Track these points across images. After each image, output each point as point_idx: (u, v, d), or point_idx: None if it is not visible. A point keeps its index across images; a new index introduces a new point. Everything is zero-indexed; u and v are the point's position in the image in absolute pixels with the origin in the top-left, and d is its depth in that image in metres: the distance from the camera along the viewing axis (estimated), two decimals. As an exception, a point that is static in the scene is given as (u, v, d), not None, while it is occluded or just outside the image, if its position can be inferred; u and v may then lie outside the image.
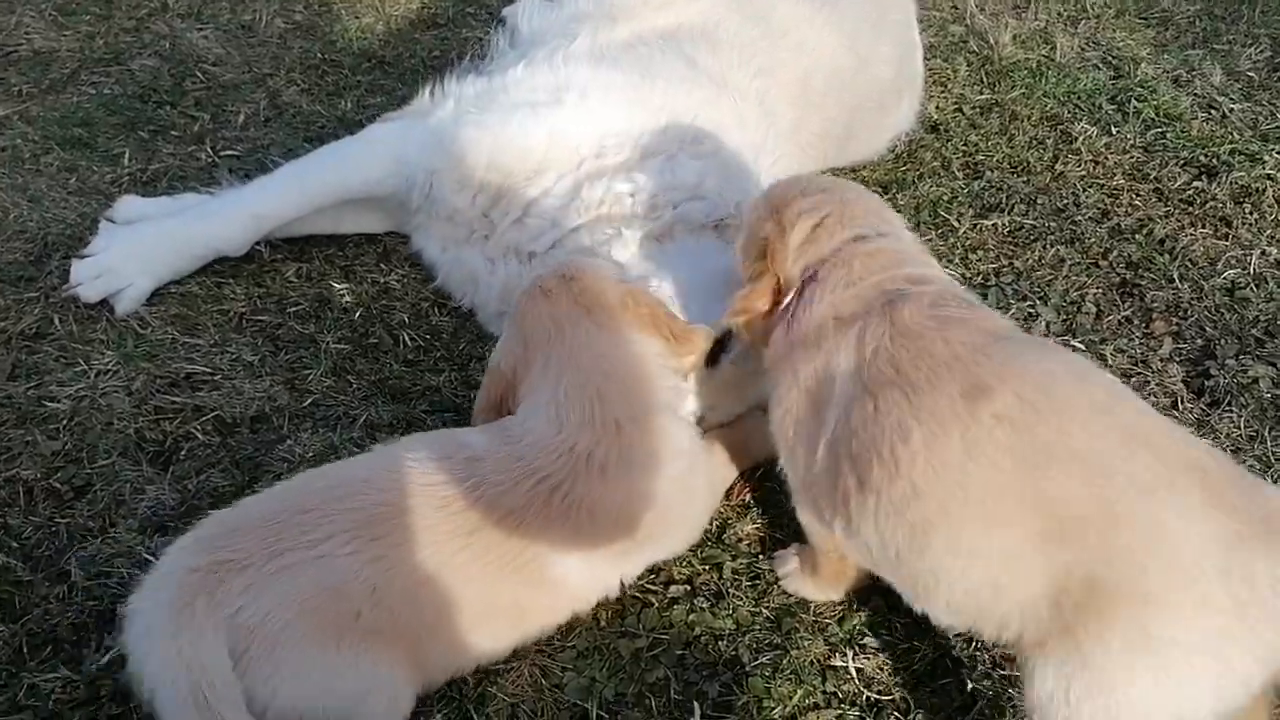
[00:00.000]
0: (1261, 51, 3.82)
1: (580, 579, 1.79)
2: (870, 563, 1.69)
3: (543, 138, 2.46)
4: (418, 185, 2.58)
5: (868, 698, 1.82)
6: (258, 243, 2.69)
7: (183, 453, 2.21)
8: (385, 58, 3.70)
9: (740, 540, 2.08)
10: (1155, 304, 2.65)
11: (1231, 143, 3.30)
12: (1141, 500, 1.40)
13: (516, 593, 1.74)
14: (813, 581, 1.91)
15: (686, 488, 1.86)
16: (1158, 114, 3.46)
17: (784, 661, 1.86)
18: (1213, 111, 3.51)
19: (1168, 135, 3.35)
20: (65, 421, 2.28)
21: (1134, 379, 2.45)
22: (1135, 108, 3.49)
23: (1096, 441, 1.45)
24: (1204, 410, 2.38)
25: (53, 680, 1.80)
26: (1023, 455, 1.46)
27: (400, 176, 2.60)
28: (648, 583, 1.97)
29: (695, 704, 1.78)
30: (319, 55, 3.68)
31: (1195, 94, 3.60)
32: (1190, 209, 3.00)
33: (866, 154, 3.17)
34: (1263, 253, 2.82)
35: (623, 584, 1.89)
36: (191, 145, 3.20)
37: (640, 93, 2.55)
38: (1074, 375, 1.56)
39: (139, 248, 2.58)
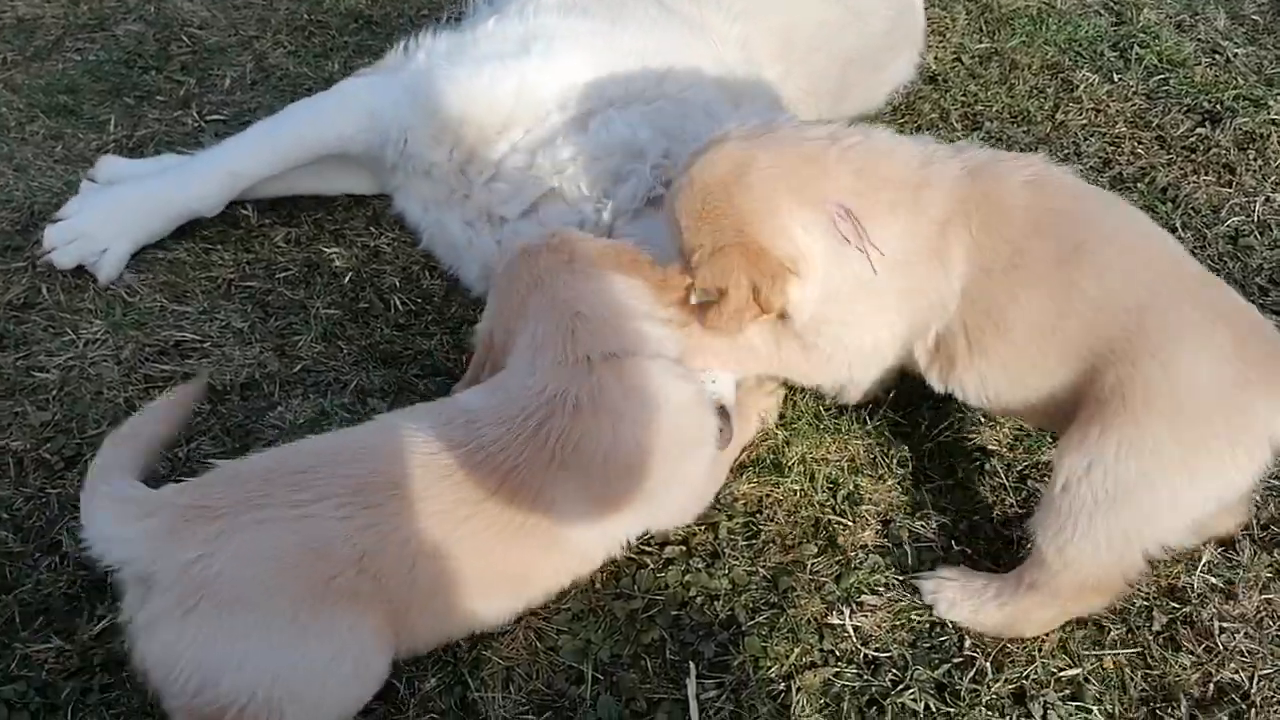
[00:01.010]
0: (1264, -9, 3.74)
1: (583, 537, 1.77)
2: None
3: (510, 89, 2.41)
4: (392, 140, 2.53)
5: (865, 655, 1.80)
6: (244, 207, 2.66)
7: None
8: (373, 17, 3.64)
9: (736, 500, 2.06)
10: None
11: (1235, 88, 3.23)
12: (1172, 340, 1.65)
13: (524, 557, 1.72)
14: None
15: (682, 441, 1.82)
16: (1160, 60, 3.40)
17: (780, 620, 1.84)
18: (1216, 56, 3.44)
19: (1170, 82, 3.29)
20: (55, 392, 2.26)
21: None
22: (1137, 54, 3.42)
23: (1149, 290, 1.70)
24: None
25: (46, 650, 1.79)
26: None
27: (373, 131, 2.55)
28: (643, 544, 1.95)
29: (691, 664, 1.77)
30: (305, 16, 3.61)
31: (1199, 39, 3.53)
32: (1193, 156, 2.95)
33: (861, 108, 3.11)
34: (1267, 199, 2.77)
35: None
36: (177, 110, 3.16)
37: (609, 39, 2.49)
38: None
39: (113, 210, 2.53)
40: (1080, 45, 3.49)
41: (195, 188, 2.53)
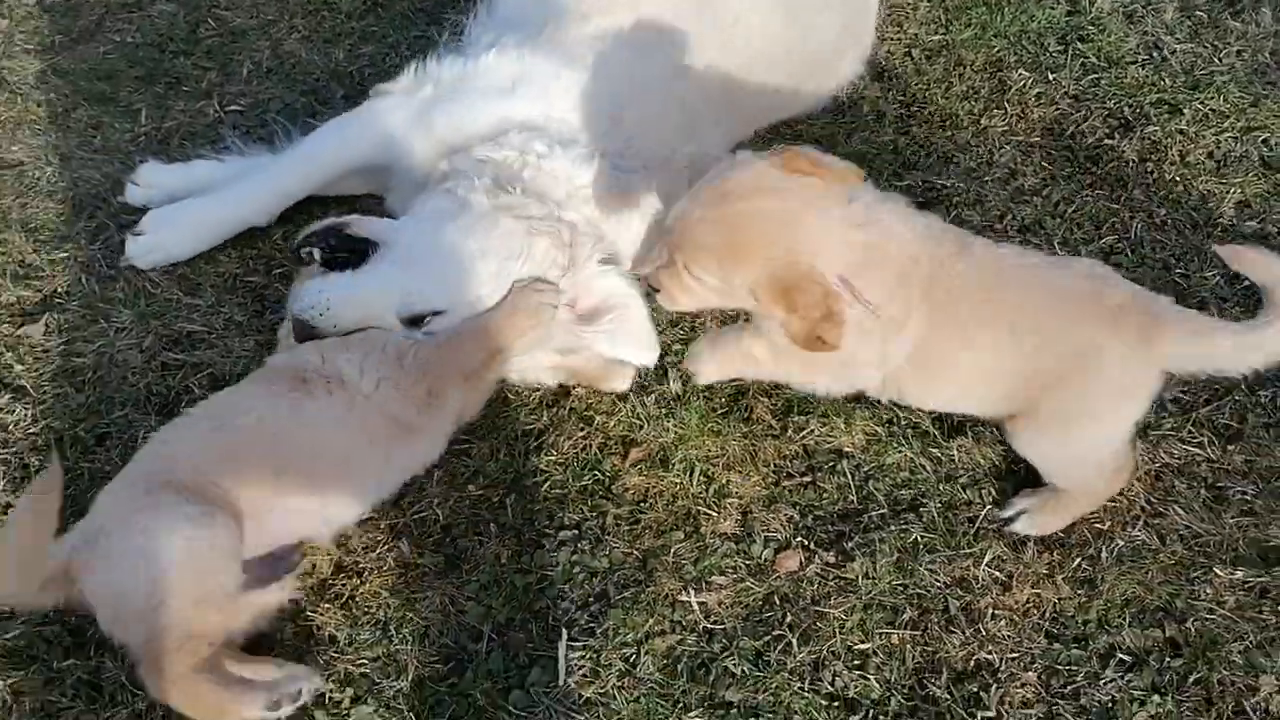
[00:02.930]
0: (1221, -13, 3.90)
1: None
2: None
3: (494, 123, 2.85)
4: (400, 158, 3.00)
5: (704, 626, 2.29)
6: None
7: (183, 404, 2.69)
8: (379, 1, 3.99)
9: (626, 490, 2.53)
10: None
11: (1160, 91, 3.48)
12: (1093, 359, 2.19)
13: None
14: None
15: None
16: (1099, 57, 3.63)
17: (642, 596, 2.33)
18: (1153, 54, 3.66)
19: (1101, 82, 3.54)
20: (89, 375, 2.78)
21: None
22: (1078, 50, 3.65)
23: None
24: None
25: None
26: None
27: (386, 151, 3.03)
28: (544, 528, 2.45)
29: (564, 629, 2.27)
30: (326, 2, 3.98)
31: (1144, 32, 3.74)
32: (1094, 169, 3.24)
33: (804, 111, 3.45)
34: (1149, 215, 3.07)
35: (523, 531, 2.38)
36: (200, 101, 3.59)
37: (588, 83, 2.92)
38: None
39: (185, 227, 3.05)
40: (1029, 38, 3.72)
41: (254, 206, 3.06)
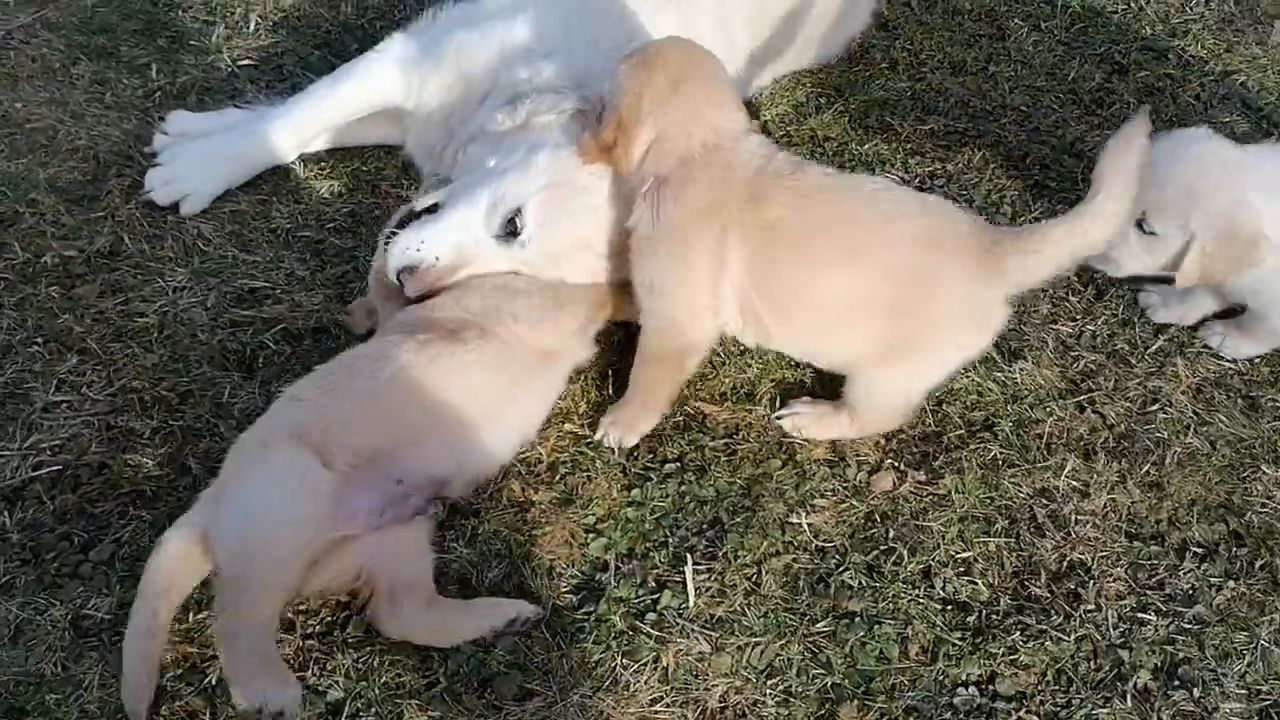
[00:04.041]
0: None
1: None
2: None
3: (498, 46, 2.91)
4: (414, 90, 3.03)
5: (816, 545, 2.42)
6: (293, 161, 3.11)
7: (260, 361, 2.68)
8: (375, -47, 3.94)
9: (719, 424, 2.63)
10: (1060, 205, 3.15)
11: (1142, 38, 3.72)
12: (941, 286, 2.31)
13: None
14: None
15: None
16: (1082, 7, 3.85)
17: (753, 520, 2.44)
18: (1130, 4, 3.90)
19: (1088, 30, 3.76)
20: (156, 334, 2.72)
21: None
22: (1065, 1, 3.87)
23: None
24: (1090, 300, 2.93)
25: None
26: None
27: (403, 85, 3.05)
28: (647, 463, 2.53)
29: (687, 555, 2.37)
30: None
31: (1117, -16, 3.97)
32: (1099, 110, 3.46)
33: (822, 59, 3.57)
34: (1155, 152, 3.30)
35: (627, 468, 2.47)
36: (211, 55, 3.51)
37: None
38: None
39: (204, 158, 3.04)
40: (1018, -13, 3.91)
41: (272, 140, 3.05)
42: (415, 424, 2.26)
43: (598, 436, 2.55)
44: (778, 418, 2.61)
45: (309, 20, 3.67)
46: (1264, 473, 2.58)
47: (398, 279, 2.46)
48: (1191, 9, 3.90)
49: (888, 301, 2.32)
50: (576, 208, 2.52)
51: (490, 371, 2.34)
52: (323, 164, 3.17)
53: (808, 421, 2.58)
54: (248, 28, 3.62)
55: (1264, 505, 2.52)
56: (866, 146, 3.33)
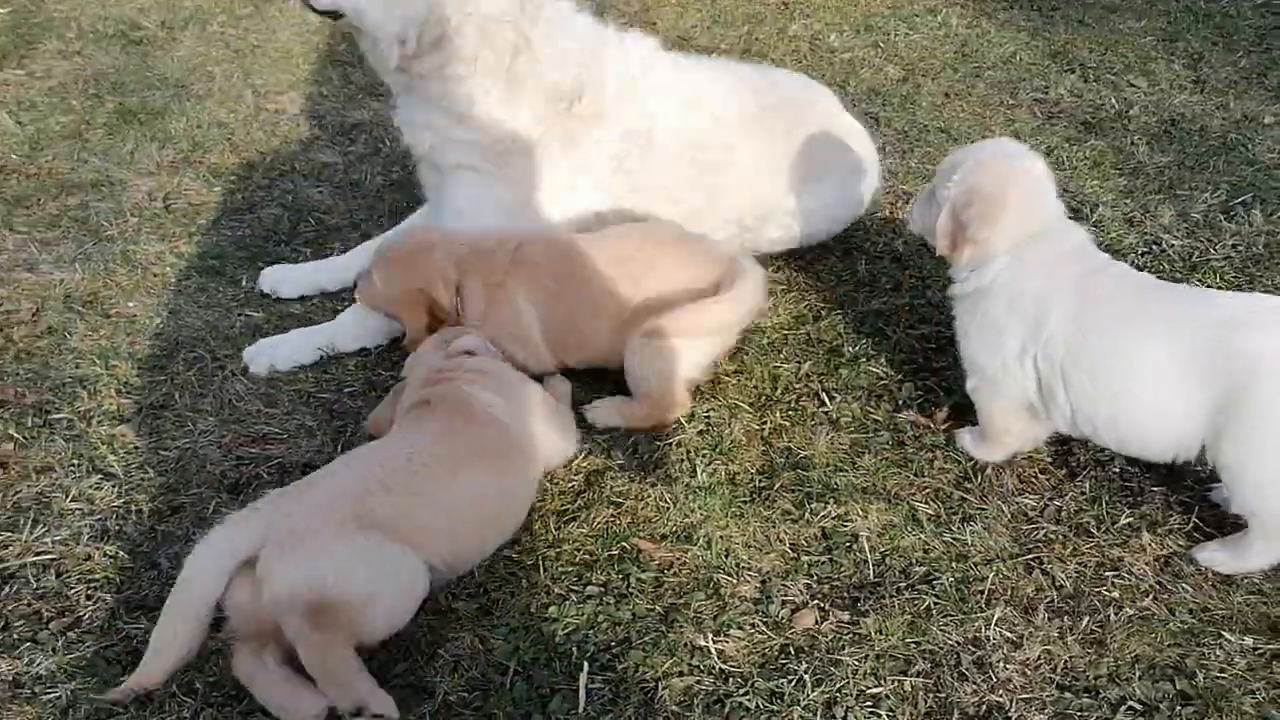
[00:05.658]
0: (1217, 196, 4.33)
1: None
2: None
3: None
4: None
5: (721, 669, 2.37)
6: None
7: (251, 486, 2.96)
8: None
9: (652, 560, 2.68)
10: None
11: (1159, 274, 3.80)
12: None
13: None
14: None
15: None
16: (1102, 249, 3.99)
17: (662, 641, 2.43)
18: (1154, 248, 4.03)
19: (1104, 267, 3.88)
20: (172, 464, 3.07)
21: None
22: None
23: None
24: (1060, 479, 2.88)
25: (140, 630, 2.51)
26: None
27: None
28: (572, 585, 2.59)
29: (585, 663, 2.37)
30: (406, 205, 4.57)
31: (1143, 232, 4.13)
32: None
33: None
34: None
35: (552, 589, 2.54)
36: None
37: None
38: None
39: (285, 345, 3.55)
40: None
41: (342, 334, 3.59)
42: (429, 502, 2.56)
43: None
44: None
45: (386, 251, 4.23)
46: (1227, 640, 2.40)
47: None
48: (1216, 250, 4.00)
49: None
50: None
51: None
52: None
53: (607, 413, 3.12)
54: (333, 255, 4.22)
55: (1223, 671, 2.32)
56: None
